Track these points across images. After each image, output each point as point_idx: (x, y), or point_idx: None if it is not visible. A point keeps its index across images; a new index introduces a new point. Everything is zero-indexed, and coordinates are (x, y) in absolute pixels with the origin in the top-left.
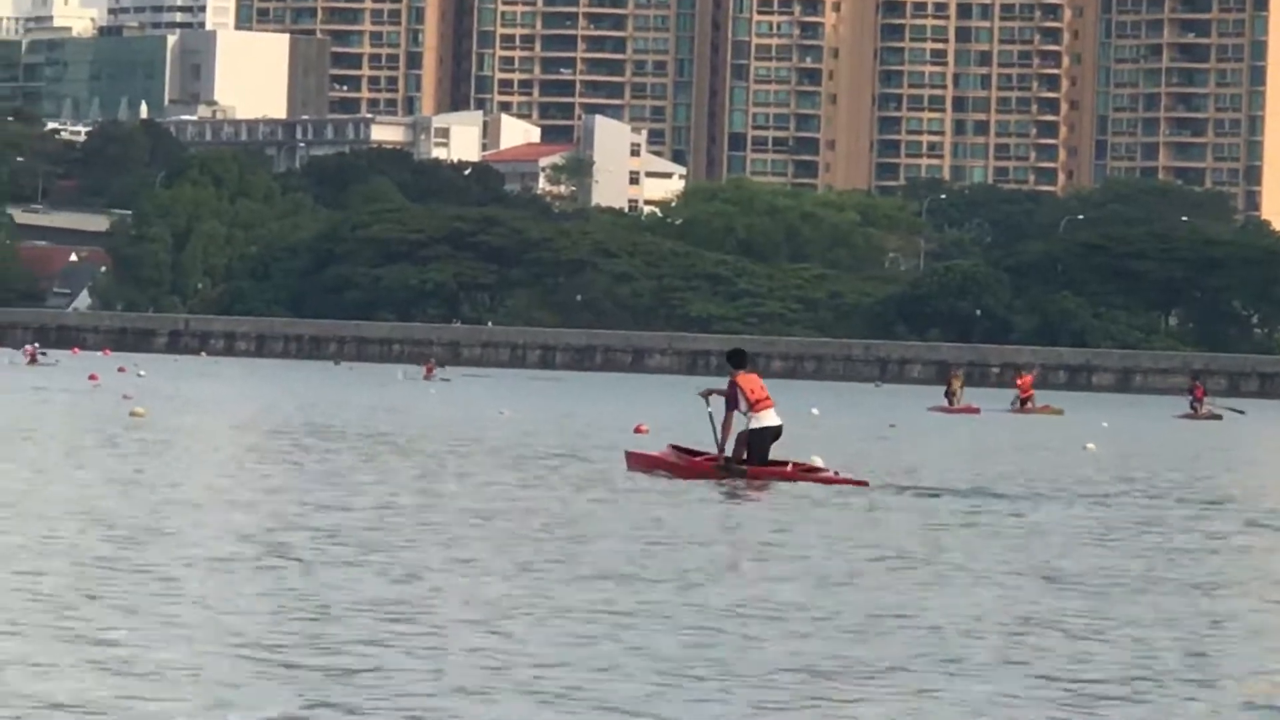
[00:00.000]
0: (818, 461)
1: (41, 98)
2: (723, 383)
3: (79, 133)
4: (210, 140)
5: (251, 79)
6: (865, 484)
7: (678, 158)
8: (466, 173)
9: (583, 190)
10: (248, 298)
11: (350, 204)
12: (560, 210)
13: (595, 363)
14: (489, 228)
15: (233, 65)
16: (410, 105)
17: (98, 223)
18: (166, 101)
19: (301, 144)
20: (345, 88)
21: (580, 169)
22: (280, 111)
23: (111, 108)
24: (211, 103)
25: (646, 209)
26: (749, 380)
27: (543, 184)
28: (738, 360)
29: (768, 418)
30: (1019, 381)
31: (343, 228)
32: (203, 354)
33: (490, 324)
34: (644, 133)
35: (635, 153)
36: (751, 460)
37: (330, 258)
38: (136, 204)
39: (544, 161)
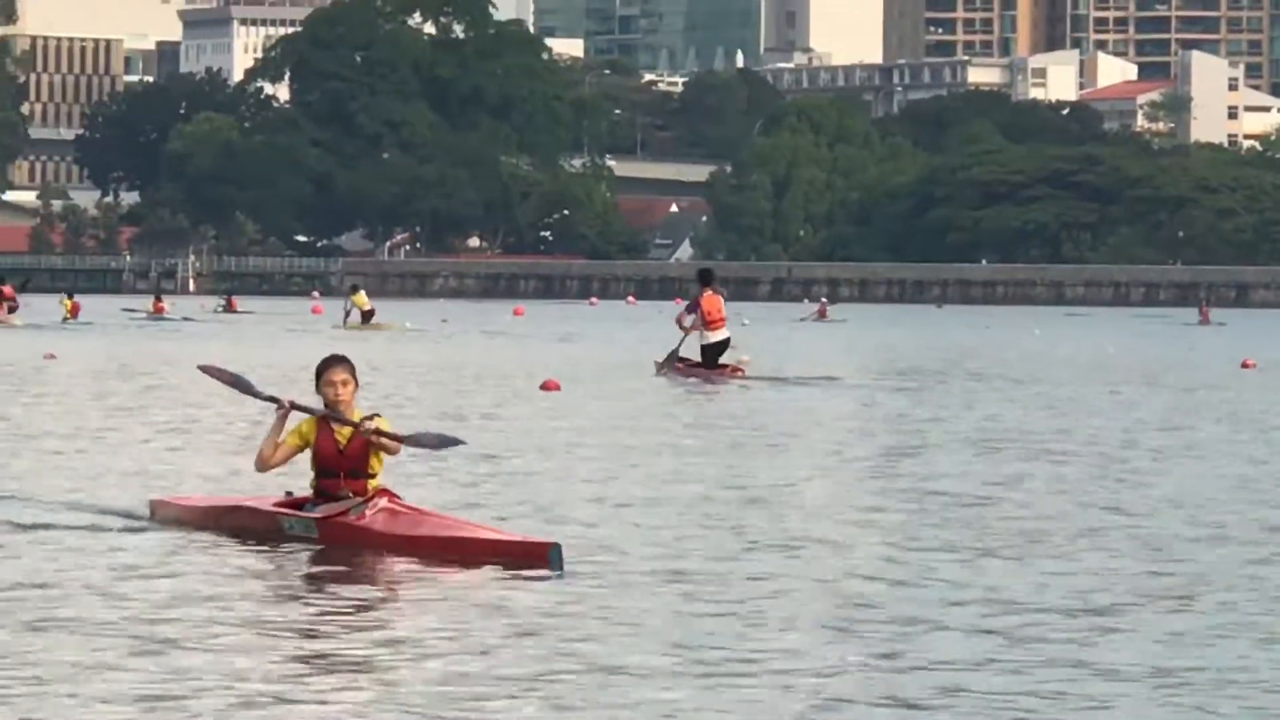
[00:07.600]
0: None
1: (638, 50)
2: None
3: (676, 84)
4: (807, 88)
5: (846, 25)
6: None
7: (1276, 91)
8: (1064, 112)
9: (1181, 126)
10: (849, 243)
11: (949, 147)
12: (1159, 147)
13: (1197, 298)
14: (1089, 167)
15: (827, 11)
16: (1006, 46)
17: (696, 173)
18: (762, 50)
19: (898, 88)
20: (940, 30)
21: (1178, 105)
22: (876, 56)
23: (707, 58)
24: (807, 50)
25: (1246, 143)
26: (711, 301)
27: (1140, 121)
28: (706, 278)
29: (716, 335)
30: None
31: (942, 171)
32: (805, 300)
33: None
34: (1241, 66)
35: (1233, 87)
36: (704, 364)
37: (931, 201)
38: (735, 153)
39: (1141, 99)
